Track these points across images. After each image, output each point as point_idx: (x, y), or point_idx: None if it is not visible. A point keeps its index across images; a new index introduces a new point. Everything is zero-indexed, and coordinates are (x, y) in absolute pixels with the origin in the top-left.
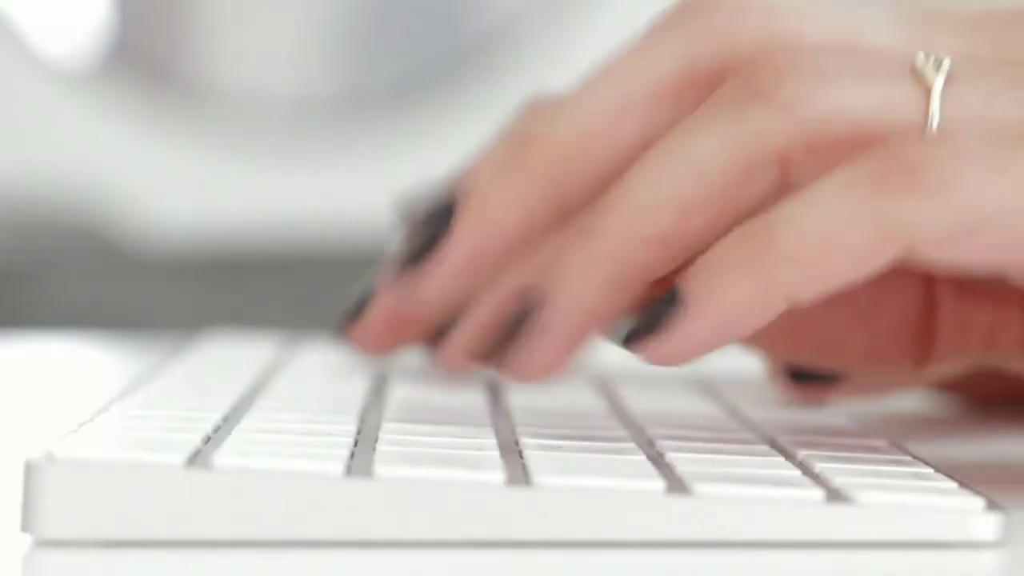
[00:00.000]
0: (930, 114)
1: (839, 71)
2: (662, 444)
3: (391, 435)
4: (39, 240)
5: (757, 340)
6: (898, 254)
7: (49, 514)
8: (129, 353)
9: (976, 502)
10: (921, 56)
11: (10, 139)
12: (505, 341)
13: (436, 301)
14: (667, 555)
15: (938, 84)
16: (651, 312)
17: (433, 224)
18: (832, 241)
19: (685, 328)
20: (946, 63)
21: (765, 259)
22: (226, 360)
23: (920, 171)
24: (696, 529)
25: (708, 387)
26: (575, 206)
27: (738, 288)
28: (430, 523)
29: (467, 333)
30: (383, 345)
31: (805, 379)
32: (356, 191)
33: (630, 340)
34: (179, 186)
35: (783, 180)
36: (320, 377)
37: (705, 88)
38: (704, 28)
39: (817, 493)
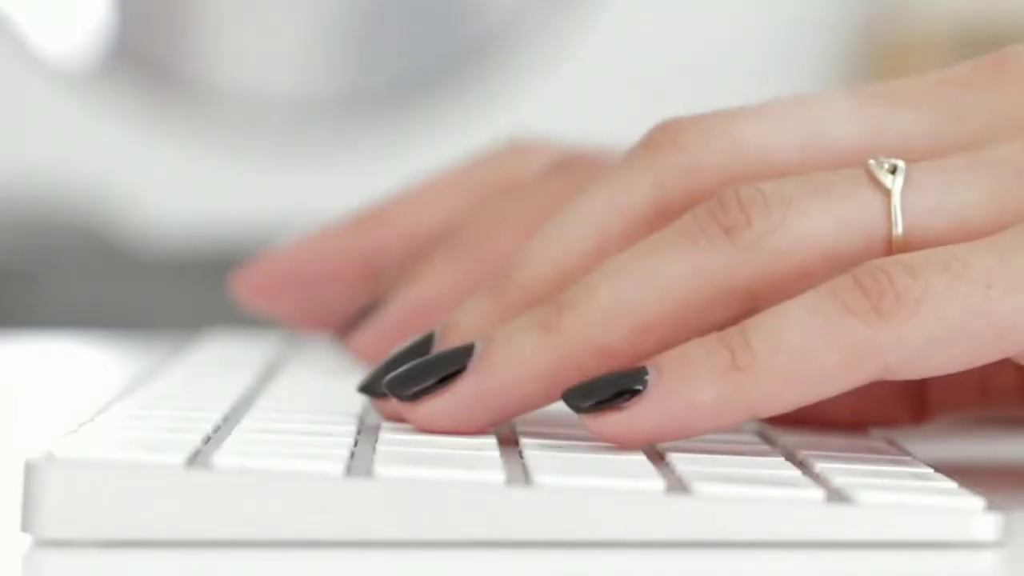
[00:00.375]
0: (892, 220)
1: (801, 195)
2: (662, 444)
3: (391, 435)
4: (39, 240)
5: None
6: (872, 375)
7: (49, 514)
8: (129, 353)
9: (976, 502)
10: (873, 162)
11: (10, 139)
12: (420, 378)
13: (434, 429)
14: (667, 555)
15: (896, 187)
16: (612, 387)
17: (445, 362)
18: (806, 360)
19: (643, 412)
20: (900, 165)
21: (738, 370)
22: (226, 360)
23: (883, 294)
24: (696, 529)
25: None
26: None
27: (705, 391)
28: (430, 523)
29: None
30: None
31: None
32: (356, 191)
33: (584, 408)
34: (179, 186)
35: (747, 309)
36: (320, 377)
37: (677, 217)
38: (670, 162)
39: (817, 493)
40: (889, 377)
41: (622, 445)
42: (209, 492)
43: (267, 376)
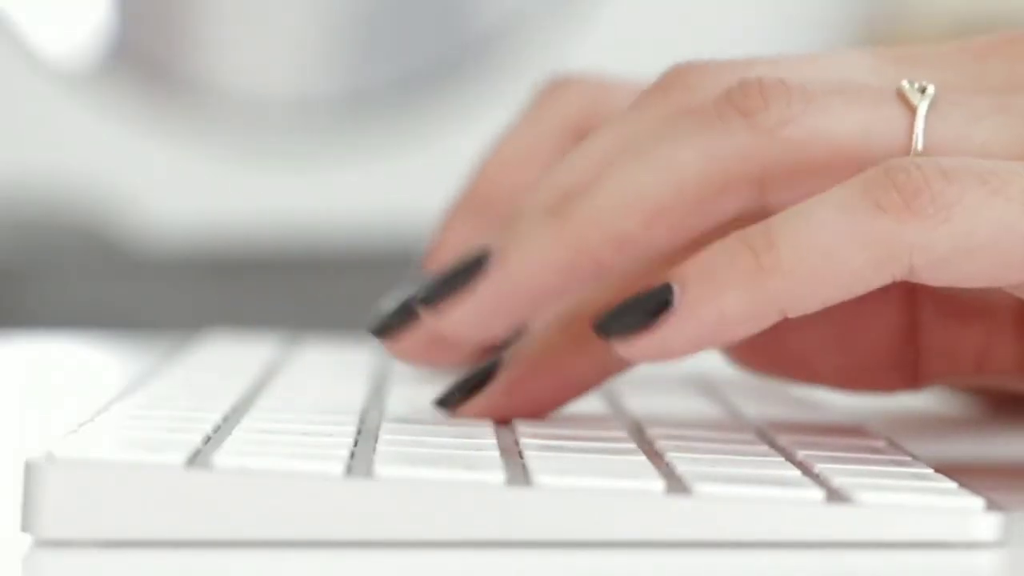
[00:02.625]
0: (914, 136)
1: (825, 93)
2: (662, 444)
3: (391, 435)
4: (39, 240)
5: (734, 351)
6: (896, 275)
7: (49, 514)
8: (129, 353)
9: (976, 502)
10: (906, 83)
11: (10, 139)
12: (444, 288)
13: (461, 337)
14: (667, 555)
15: (923, 107)
16: (640, 307)
17: (466, 268)
18: (833, 258)
19: (674, 329)
20: (930, 89)
21: (764, 271)
22: (226, 360)
23: (917, 194)
24: (696, 529)
25: (708, 387)
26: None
27: (733, 297)
28: (430, 523)
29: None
30: (420, 359)
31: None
32: (356, 191)
33: (615, 331)
34: (179, 186)
35: (759, 200)
36: (320, 377)
37: None
38: (681, 102)
39: (817, 493)
40: (912, 279)
41: (661, 361)
42: (209, 492)
43: (267, 376)
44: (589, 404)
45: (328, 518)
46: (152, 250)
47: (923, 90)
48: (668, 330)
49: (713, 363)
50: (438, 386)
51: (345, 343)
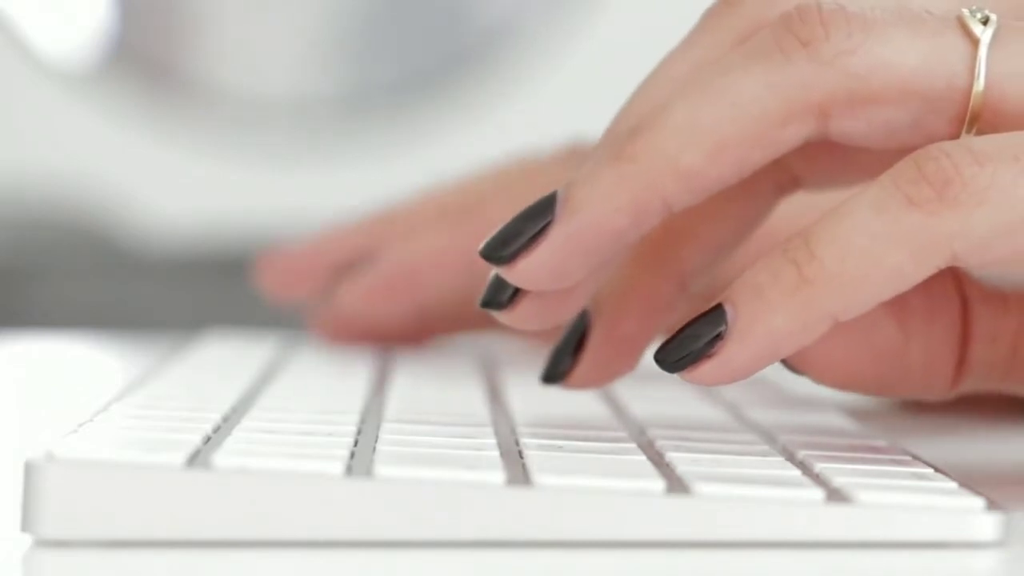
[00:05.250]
0: (976, 68)
1: (886, 22)
2: (662, 444)
3: (391, 435)
4: (39, 240)
5: (813, 370)
6: (940, 264)
7: (49, 514)
8: (129, 353)
9: (976, 502)
10: (967, 11)
11: (10, 139)
12: (512, 239)
13: (540, 287)
14: (667, 555)
15: (985, 37)
16: (696, 335)
17: (533, 216)
18: (874, 260)
19: (732, 352)
20: (993, 18)
21: (808, 283)
22: (226, 360)
23: (949, 182)
24: (696, 529)
25: (708, 387)
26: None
27: (784, 314)
28: (430, 523)
29: None
30: (534, 323)
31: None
32: (356, 191)
33: (675, 363)
34: (179, 186)
35: (821, 130)
36: (320, 377)
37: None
38: (750, 13)
39: (817, 493)
40: (958, 264)
41: (727, 383)
42: (209, 492)
43: (267, 376)
44: (589, 404)
45: (328, 518)
46: (152, 250)
47: (985, 20)
48: (727, 354)
49: None
50: (439, 386)
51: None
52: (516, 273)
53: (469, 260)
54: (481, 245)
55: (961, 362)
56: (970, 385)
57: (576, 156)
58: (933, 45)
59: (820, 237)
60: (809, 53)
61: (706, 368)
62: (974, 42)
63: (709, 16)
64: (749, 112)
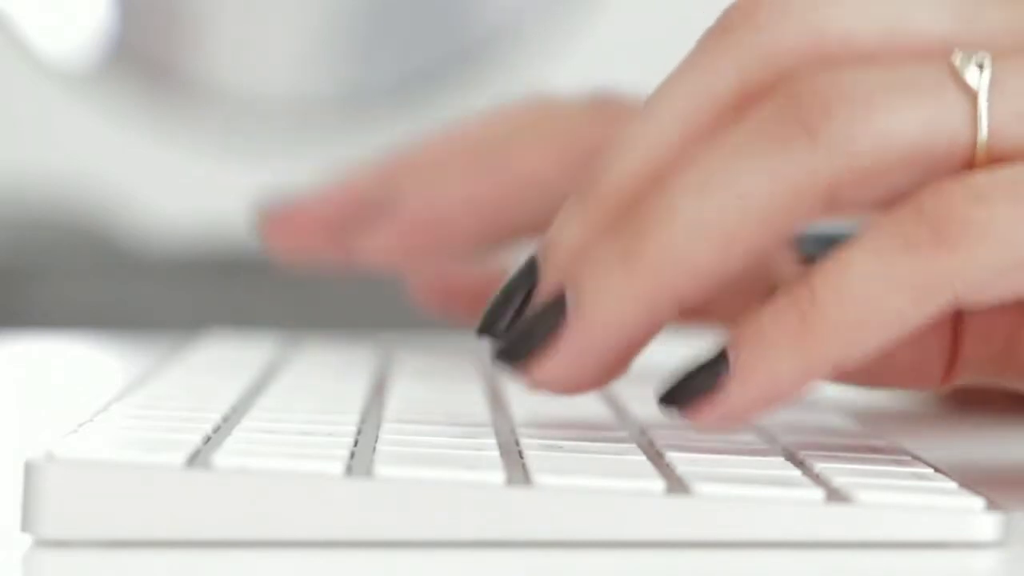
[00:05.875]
0: (978, 120)
1: (884, 91)
2: (662, 444)
3: (391, 435)
4: (39, 240)
5: None
6: (943, 306)
7: (49, 514)
8: (129, 353)
9: (976, 502)
10: (959, 56)
11: (10, 139)
12: (524, 337)
13: (554, 390)
14: (667, 555)
15: (984, 85)
16: (698, 379)
17: (542, 319)
18: (875, 306)
19: (733, 396)
20: (987, 62)
21: (810, 330)
22: (226, 360)
23: (947, 223)
24: (696, 529)
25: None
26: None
27: (786, 361)
28: (430, 523)
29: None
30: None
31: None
32: None
33: (677, 405)
34: (179, 186)
35: (829, 211)
36: (320, 377)
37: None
38: (748, 42)
39: (817, 493)
40: (962, 305)
41: (730, 427)
42: (209, 492)
43: (267, 376)
44: (589, 404)
45: (328, 518)
46: (152, 250)
47: (980, 65)
48: (728, 397)
49: None
50: (439, 386)
51: (345, 343)
52: (535, 382)
53: (497, 208)
54: (497, 318)
55: (953, 358)
56: (965, 380)
57: (597, 104)
58: (933, 110)
59: (822, 282)
60: (811, 139)
61: (707, 409)
62: (972, 96)
63: (704, 44)
64: (756, 205)
